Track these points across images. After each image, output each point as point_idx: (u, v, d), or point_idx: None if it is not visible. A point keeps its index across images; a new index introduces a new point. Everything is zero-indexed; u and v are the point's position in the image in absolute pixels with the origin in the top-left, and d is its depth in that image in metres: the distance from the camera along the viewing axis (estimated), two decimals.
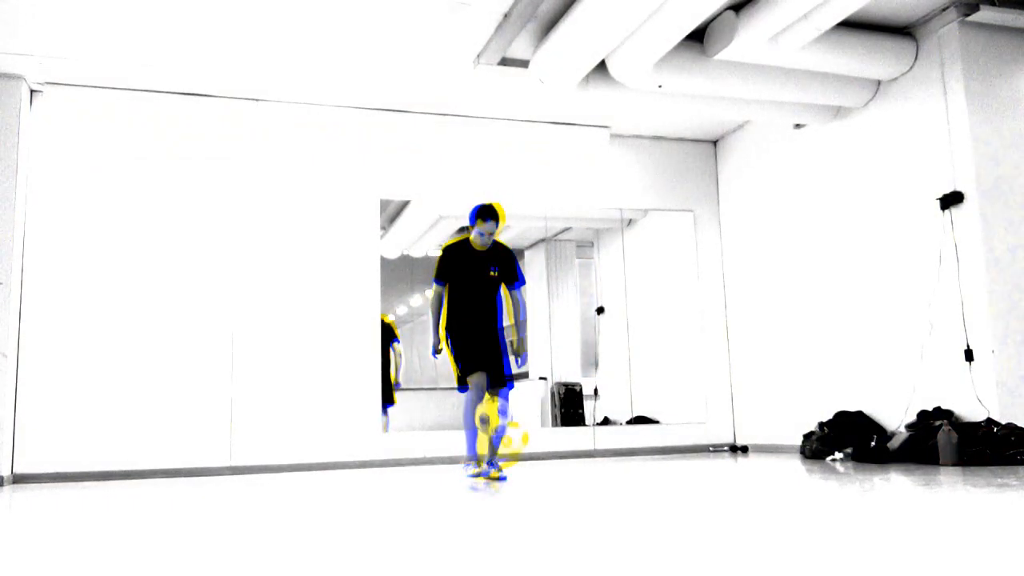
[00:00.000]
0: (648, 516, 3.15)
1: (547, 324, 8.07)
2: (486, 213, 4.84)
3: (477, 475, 4.80)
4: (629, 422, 7.61)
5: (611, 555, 2.21)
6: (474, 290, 4.92)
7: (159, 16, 5.20)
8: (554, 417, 7.66)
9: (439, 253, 5.01)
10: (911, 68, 5.73)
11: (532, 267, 8.46)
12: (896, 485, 4.04)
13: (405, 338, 8.00)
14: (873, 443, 5.56)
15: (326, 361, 6.44)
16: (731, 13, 5.23)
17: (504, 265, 4.97)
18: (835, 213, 6.40)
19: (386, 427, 7.12)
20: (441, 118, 6.92)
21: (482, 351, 4.87)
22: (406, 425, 7.39)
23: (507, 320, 5.06)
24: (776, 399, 7.00)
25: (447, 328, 4.94)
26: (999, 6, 5.29)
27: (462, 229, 8.32)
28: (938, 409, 5.36)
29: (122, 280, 6.08)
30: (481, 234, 4.85)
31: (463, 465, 4.96)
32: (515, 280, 5.01)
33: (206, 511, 3.78)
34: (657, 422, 7.50)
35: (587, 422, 7.52)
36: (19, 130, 5.81)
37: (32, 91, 6.00)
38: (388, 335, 7.56)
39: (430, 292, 4.97)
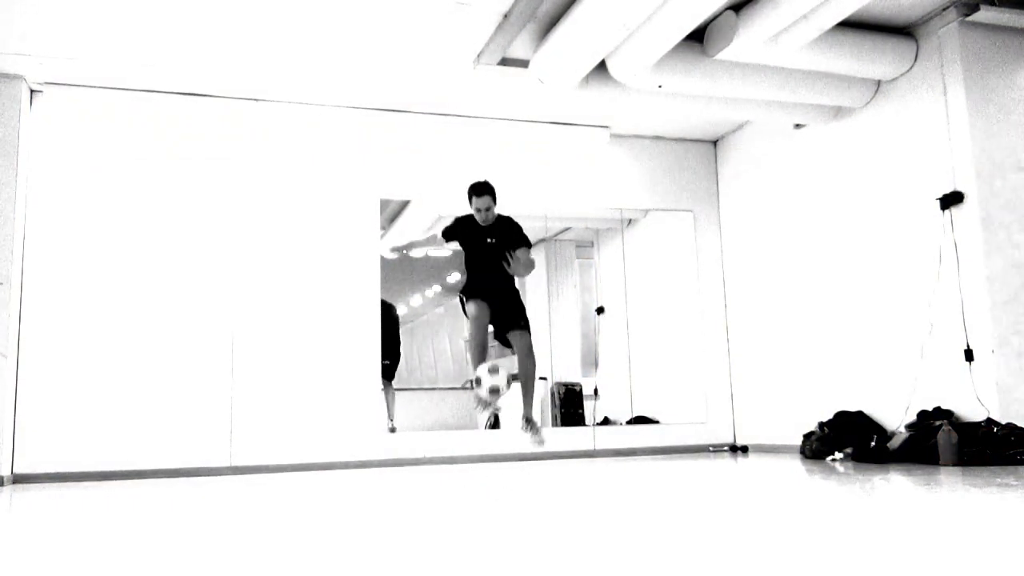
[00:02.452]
0: (649, 516, 3.15)
1: (547, 324, 8.06)
2: (476, 189, 4.94)
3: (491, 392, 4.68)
4: (629, 422, 7.61)
5: (612, 555, 2.21)
6: (481, 258, 5.04)
7: (159, 16, 5.20)
8: (554, 417, 7.66)
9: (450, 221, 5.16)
10: (911, 68, 5.72)
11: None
12: (896, 485, 4.04)
13: (405, 338, 7.98)
14: (873, 443, 5.56)
15: (326, 361, 6.44)
16: (731, 13, 5.23)
17: (502, 234, 5.02)
18: (835, 213, 6.39)
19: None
20: (441, 118, 6.91)
21: (488, 292, 4.97)
22: (407, 425, 7.38)
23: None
24: (776, 399, 6.99)
25: (461, 292, 5.09)
26: (999, 6, 5.29)
27: None
28: (938, 409, 5.36)
29: (122, 280, 6.08)
30: (479, 210, 4.94)
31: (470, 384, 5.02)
32: (518, 244, 5.03)
33: (206, 511, 3.78)
34: (657, 422, 7.50)
35: (587, 422, 7.52)
36: (19, 130, 5.81)
37: (32, 91, 6.00)
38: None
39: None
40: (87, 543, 2.80)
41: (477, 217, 4.98)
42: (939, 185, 5.47)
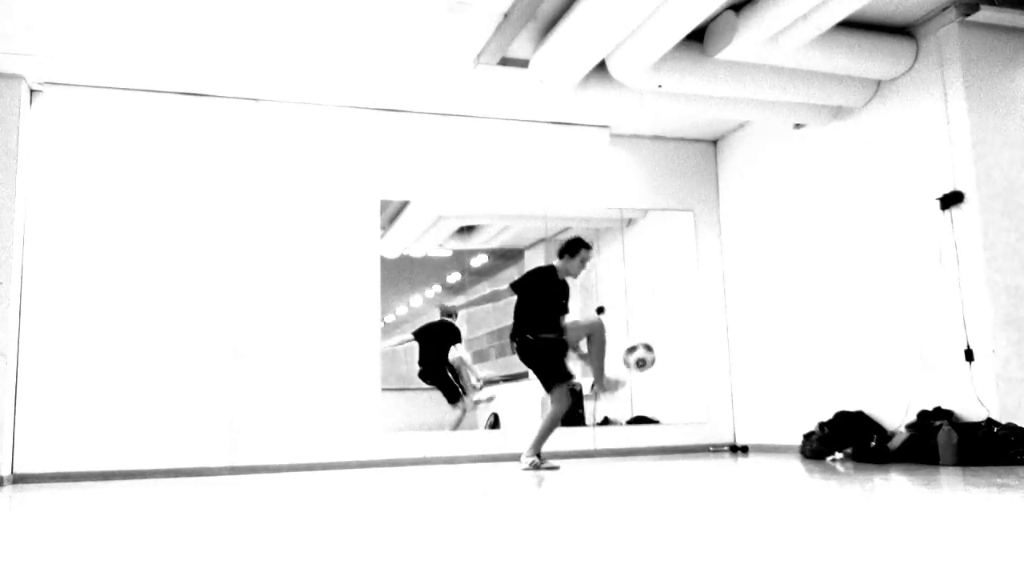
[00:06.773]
0: (649, 516, 3.15)
1: None
2: (587, 244, 5.52)
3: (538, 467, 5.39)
4: (629, 422, 7.61)
5: (612, 555, 2.21)
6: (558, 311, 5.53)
7: (159, 16, 5.20)
8: None
9: (536, 268, 5.61)
10: (911, 68, 5.72)
11: (532, 267, 8.45)
12: (896, 485, 4.05)
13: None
14: (873, 443, 5.56)
15: (326, 361, 6.44)
16: (731, 13, 5.23)
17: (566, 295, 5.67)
18: (835, 213, 6.39)
19: (457, 424, 7.48)
20: (441, 118, 6.91)
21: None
22: (406, 425, 7.38)
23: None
24: (776, 399, 6.99)
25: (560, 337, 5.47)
26: (999, 6, 5.29)
27: (462, 230, 8.33)
28: (938, 409, 5.36)
29: (122, 280, 6.08)
30: (584, 261, 5.50)
31: (529, 457, 5.48)
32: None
33: (206, 511, 3.78)
34: (657, 422, 7.50)
35: (587, 422, 7.52)
36: (19, 130, 5.81)
37: (32, 91, 6.00)
38: (446, 334, 7.75)
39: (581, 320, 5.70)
40: (87, 543, 2.80)
41: (579, 270, 5.48)
42: (939, 185, 5.47)
